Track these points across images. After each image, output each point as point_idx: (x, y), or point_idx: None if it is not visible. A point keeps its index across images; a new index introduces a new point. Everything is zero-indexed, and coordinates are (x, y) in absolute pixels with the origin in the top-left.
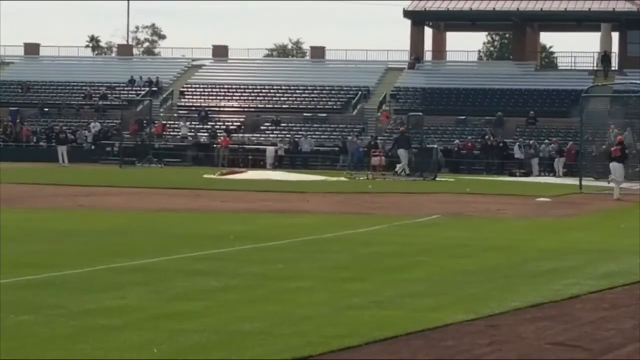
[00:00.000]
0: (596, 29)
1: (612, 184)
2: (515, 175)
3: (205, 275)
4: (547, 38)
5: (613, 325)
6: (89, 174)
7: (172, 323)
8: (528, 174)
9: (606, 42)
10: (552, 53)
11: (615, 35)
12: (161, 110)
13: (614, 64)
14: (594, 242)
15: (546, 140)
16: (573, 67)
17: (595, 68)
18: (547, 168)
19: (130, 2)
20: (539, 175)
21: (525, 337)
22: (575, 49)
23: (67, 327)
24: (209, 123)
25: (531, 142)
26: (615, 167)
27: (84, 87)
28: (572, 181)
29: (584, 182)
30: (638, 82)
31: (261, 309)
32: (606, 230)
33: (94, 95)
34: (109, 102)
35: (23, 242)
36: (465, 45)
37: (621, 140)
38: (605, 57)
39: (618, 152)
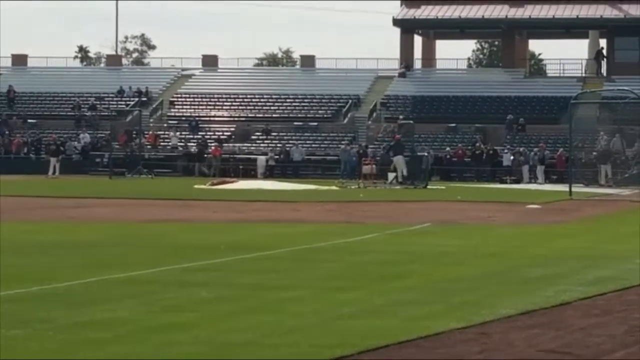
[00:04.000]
0: (584, 35)
1: None
2: (506, 183)
3: (196, 286)
4: (536, 45)
5: (604, 332)
6: (78, 186)
7: (163, 335)
8: (518, 181)
9: (594, 49)
10: (541, 60)
11: (603, 42)
12: (151, 120)
13: (603, 70)
14: (584, 249)
15: (535, 148)
16: (562, 74)
17: (584, 75)
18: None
19: (119, 12)
20: (529, 182)
21: (516, 345)
22: (563, 56)
23: (57, 341)
24: (199, 133)
25: (521, 149)
26: None
27: (72, 98)
28: (562, 188)
29: (573, 189)
30: (626, 88)
31: (252, 319)
32: (596, 237)
33: (82, 106)
34: (97, 113)
35: (12, 255)
36: (455, 53)
37: None
38: (599, 53)
39: None
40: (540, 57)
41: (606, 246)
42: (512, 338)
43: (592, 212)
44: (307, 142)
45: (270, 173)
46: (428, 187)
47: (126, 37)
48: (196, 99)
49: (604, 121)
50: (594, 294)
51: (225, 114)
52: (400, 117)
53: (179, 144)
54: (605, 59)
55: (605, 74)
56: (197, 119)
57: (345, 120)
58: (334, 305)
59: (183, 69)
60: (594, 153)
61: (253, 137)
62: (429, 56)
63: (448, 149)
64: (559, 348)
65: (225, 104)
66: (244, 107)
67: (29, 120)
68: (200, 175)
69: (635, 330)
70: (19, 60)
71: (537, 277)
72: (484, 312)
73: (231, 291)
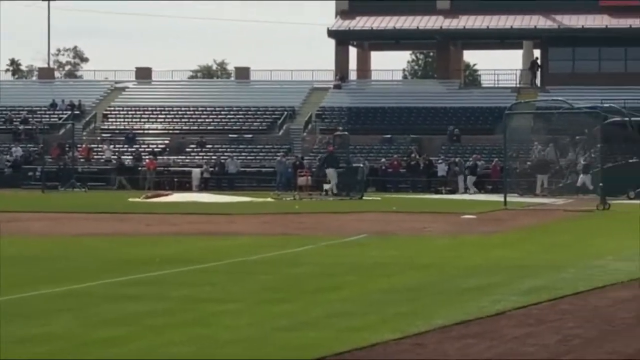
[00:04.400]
0: (518, 46)
1: None
2: (441, 193)
3: (132, 299)
4: (471, 56)
5: (538, 341)
6: (11, 200)
7: (98, 349)
8: (454, 191)
9: (528, 59)
10: (476, 71)
11: (537, 52)
12: (84, 133)
13: (537, 81)
14: (518, 258)
15: (470, 159)
16: (496, 85)
17: (518, 85)
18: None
19: (52, 24)
20: (465, 192)
21: (451, 355)
22: (498, 67)
23: None
24: (134, 146)
25: (456, 159)
26: None
27: (4, 112)
28: (497, 197)
29: (508, 199)
30: (560, 98)
31: (188, 332)
32: (531, 246)
33: (14, 119)
34: (32, 127)
35: None
36: (390, 64)
37: None
38: (533, 64)
39: None
40: (475, 67)
41: (540, 256)
42: (446, 348)
43: (526, 221)
44: (242, 154)
45: (205, 185)
46: (363, 198)
47: (59, 50)
48: (130, 112)
49: (538, 131)
50: (528, 304)
51: (160, 126)
52: (340, 128)
53: (112, 157)
54: (539, 69)
55: (539, 85)
56: (133, 131)
57: (281, 132)
58: (270, 317)
59: (116, 82)
60: (528, 163)
61: (188, 149)
62: (364, 67)
63: (383, 160)
64: (493, 357)
65: (160, 116)
66: (179, 120)
67: None
68: (119, 188)
69: (568, 340)
70: None
71: (472, 287)
72: (419, 322)
73: (166, 304)
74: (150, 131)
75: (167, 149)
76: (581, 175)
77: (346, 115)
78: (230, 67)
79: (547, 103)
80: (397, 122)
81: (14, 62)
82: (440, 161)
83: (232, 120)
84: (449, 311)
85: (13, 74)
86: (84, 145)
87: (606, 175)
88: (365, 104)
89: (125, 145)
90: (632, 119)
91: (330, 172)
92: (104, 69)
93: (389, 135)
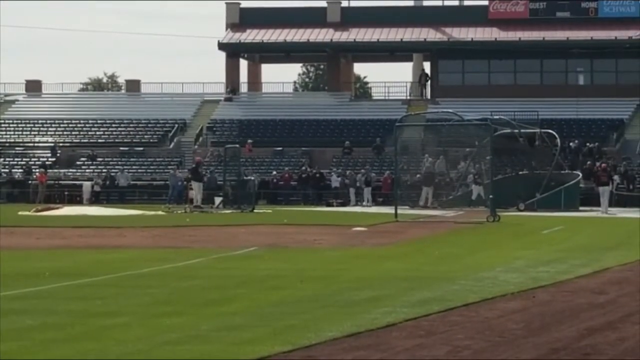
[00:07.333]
0: (408, 59)
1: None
2: (332, 205)
3: (21, 314)
4: (361, 68)
5: (428, 352)
6: None
7: None
8: (345, 203)
9: (418, 71)
10: (367, 83)
11: (427, 65)
12: None
13: (427, 93)
14: (409, 270)
15: (362, 170)
16: (387, 97)
17: (408, 97)
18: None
19: None
20: (356, 204)
21: None
22: (388, 79)
23: None
24: (24, 159)
25: (347, 172)
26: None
27: None
28: (388, 210)
29: (399, 211)
30: (450, 110)
31: (77, 347)
32: (421, 258)
33: None
34: None
35: None
36: (281, 76)
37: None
38: (422, 76)
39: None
40: (366, 80)
41: (431, 267)
42: None
43: (417, 234)
44: (133, 167)
45: (96, 199)
46: (255, 211)
47: None
48: (20, 125)
49: (428, 143)
50: (418, 315)
51: (50, 139)
52: (249, 141)
53: (3, 170)
54: (429, 82)
55: (429, 97)
56: (23, 144)
57: (172, 145)
58: (160, 331)
59: (6, 95)
60: (418, 175)
61: (78, 162)
62: (255, 80)
63: (274, 172)
64: None
65: (50, 129)
66: (69, 133)
67: None
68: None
69: (458, 351)
70: None
71: (363, 300)
72: (310, 335)
73: (56, 319)
74: (41, 144)
75: (58, 163)
76: (474, 186)
77: (237, 127)
78: (121, 80)
79: (438, 115)
80: (288, 135)
81: None
82: (332, 174)
83: (122, 133)
84: (340, 323)
85: None
86: None
87: (496, 187)
88: (256, 116)
89: (15, 159)
90: (522, 130)
91: (194, 185)
92: None
93: (280, 148)
